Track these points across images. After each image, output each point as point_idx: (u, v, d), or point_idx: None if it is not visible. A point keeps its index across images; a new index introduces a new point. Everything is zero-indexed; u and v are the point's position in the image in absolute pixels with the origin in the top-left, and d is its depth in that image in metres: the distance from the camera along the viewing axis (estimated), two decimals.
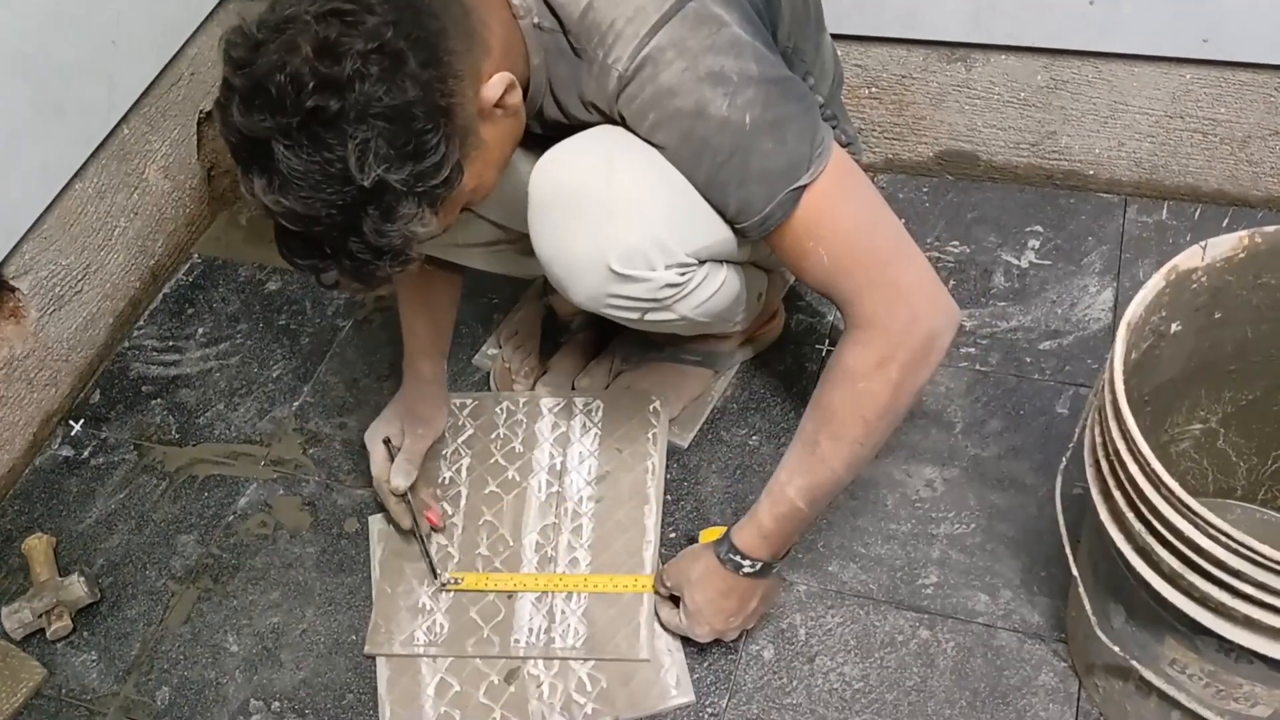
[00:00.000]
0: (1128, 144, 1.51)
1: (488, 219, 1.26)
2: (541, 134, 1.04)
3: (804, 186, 0.96)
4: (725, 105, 0.93)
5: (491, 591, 1.30)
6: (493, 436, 1.43)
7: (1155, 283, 0.90)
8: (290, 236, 0.87)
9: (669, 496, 1.37)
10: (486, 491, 1.38)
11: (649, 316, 1.07)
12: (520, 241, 1.23)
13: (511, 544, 1.33)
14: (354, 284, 0.91)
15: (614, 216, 0.98)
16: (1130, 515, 0.85)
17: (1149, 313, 0.91)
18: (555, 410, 1.44)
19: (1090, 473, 0.91)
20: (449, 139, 0.86)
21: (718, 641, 1.22)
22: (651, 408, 1.40)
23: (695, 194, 1.00)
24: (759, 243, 1.05)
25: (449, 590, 1.31)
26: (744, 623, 1.20)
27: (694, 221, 1.01)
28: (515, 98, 0.93)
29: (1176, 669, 0.94)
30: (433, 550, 1.33)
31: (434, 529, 1.35)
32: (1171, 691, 0.95)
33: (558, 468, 1.39)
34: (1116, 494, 0.86)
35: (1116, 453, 0.84)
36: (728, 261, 1.11)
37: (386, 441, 1.33)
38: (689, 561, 1.20)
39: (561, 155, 1.00)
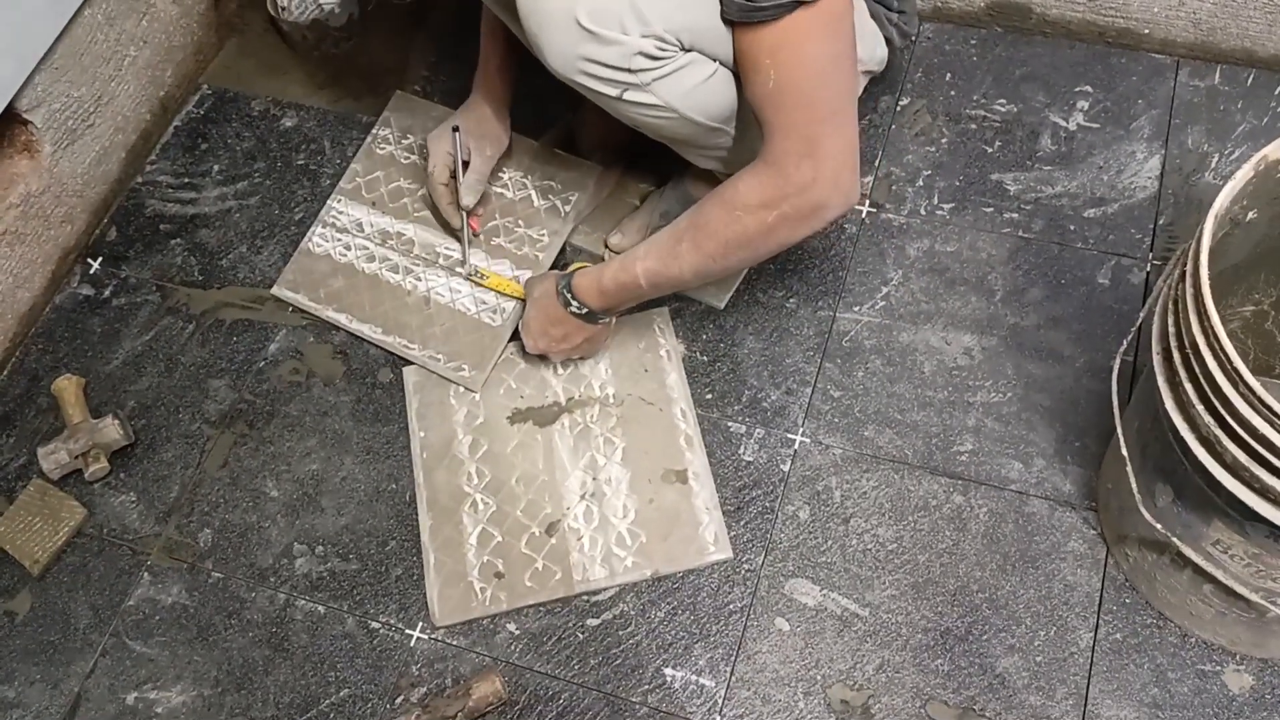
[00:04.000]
0: (1189, 3, 1.45)
1: None
2: None
3: (802, 3, 0.96)
4: None
5: (510, 296, 1.41)
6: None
7: (1244, 173, 0.88)
8: None
9: (705, 357, 1.37)
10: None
11: (628, 96, 1.08)
12: None
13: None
14: None
15: None
16: (1200, 407, 0.86)
17: (1233, 203, 0.89)
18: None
19: (1158, 360, 0.91)
20: None
21: (754, 500, 1.26)
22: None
23: None
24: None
25: (473, 281, 1.42)
26: (565, 354, 1.31)
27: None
28: None
29: (1219, 549, 0.97)
30: (468, 251, 1.44)
31: (474, 234, 1.45)
32: (1210, 568, 0.99)
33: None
34: (1187, 385, 0.87)
35: (1194, 346, 0.84)
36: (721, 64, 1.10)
37: (455, 130, 1.38)
38: (539, 281, 1.31)
39: None
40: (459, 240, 1.45)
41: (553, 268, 1.44)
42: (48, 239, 1.53)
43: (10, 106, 1.40)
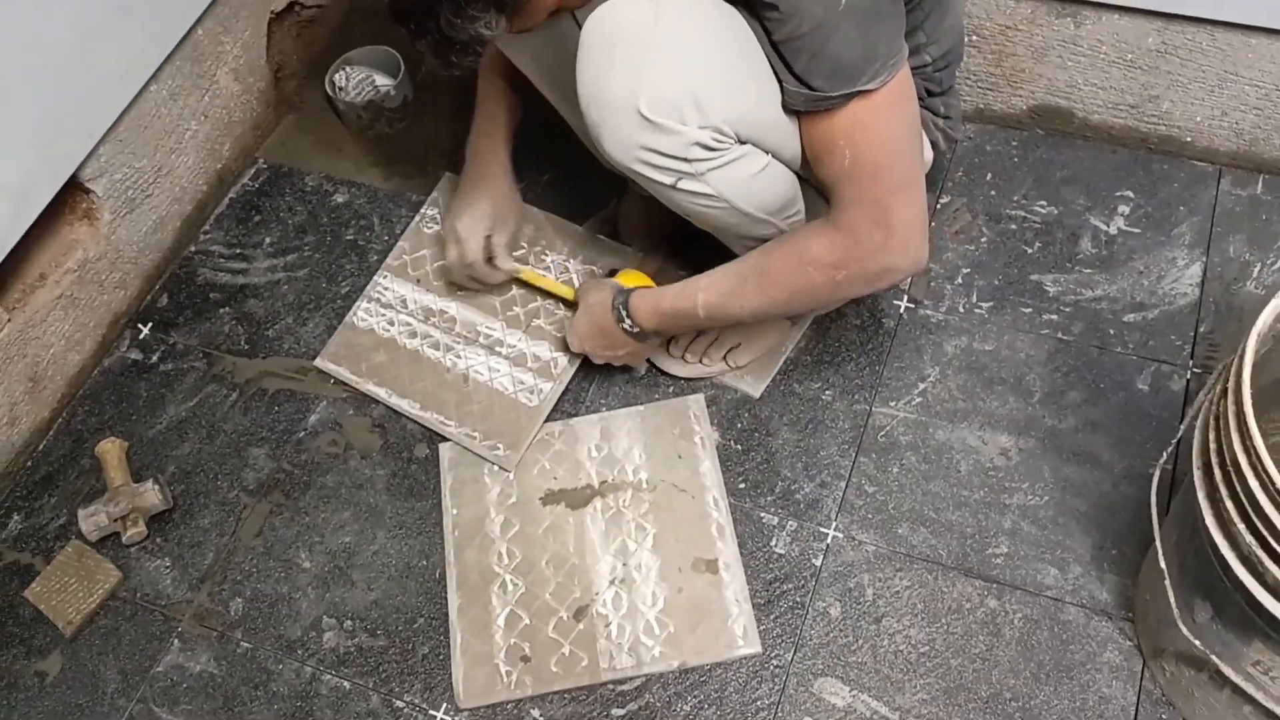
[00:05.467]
0: (1231, 114, 1.47)
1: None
2: None
3: (865, 91, 1.00)
4: None
5: (560, 299, 1.47)
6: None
7: None
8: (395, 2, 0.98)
9: (739, 445, 1.37)
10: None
11: (682, 185, 1.10)
12: None
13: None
14: (434, 60, 1.02)
15: (652, 59, 1.02)
16: (1241, 526, 0.85)
17: (1277, 320, 0.89)
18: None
19: (1199, 475, 0.91)
20: None
21: (784, 594, 1.25)
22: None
23: (748, 65, 1.04)
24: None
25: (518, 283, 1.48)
26: (609, 359, 1.36)
27: (737, 91, 1.05)
28: None
29: (1260, 670, 0.95)
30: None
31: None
32: (1250, 689, 0.97)
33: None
34: (1228, 503, 0.86)
35: (1235, 464, 0.84)
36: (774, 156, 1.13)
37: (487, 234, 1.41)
38: (594, 286, 1.35)
39: (615, 0, 1.03)
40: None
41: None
42: (100, 304, 1.57)
43: (74, 175, 1.45)
